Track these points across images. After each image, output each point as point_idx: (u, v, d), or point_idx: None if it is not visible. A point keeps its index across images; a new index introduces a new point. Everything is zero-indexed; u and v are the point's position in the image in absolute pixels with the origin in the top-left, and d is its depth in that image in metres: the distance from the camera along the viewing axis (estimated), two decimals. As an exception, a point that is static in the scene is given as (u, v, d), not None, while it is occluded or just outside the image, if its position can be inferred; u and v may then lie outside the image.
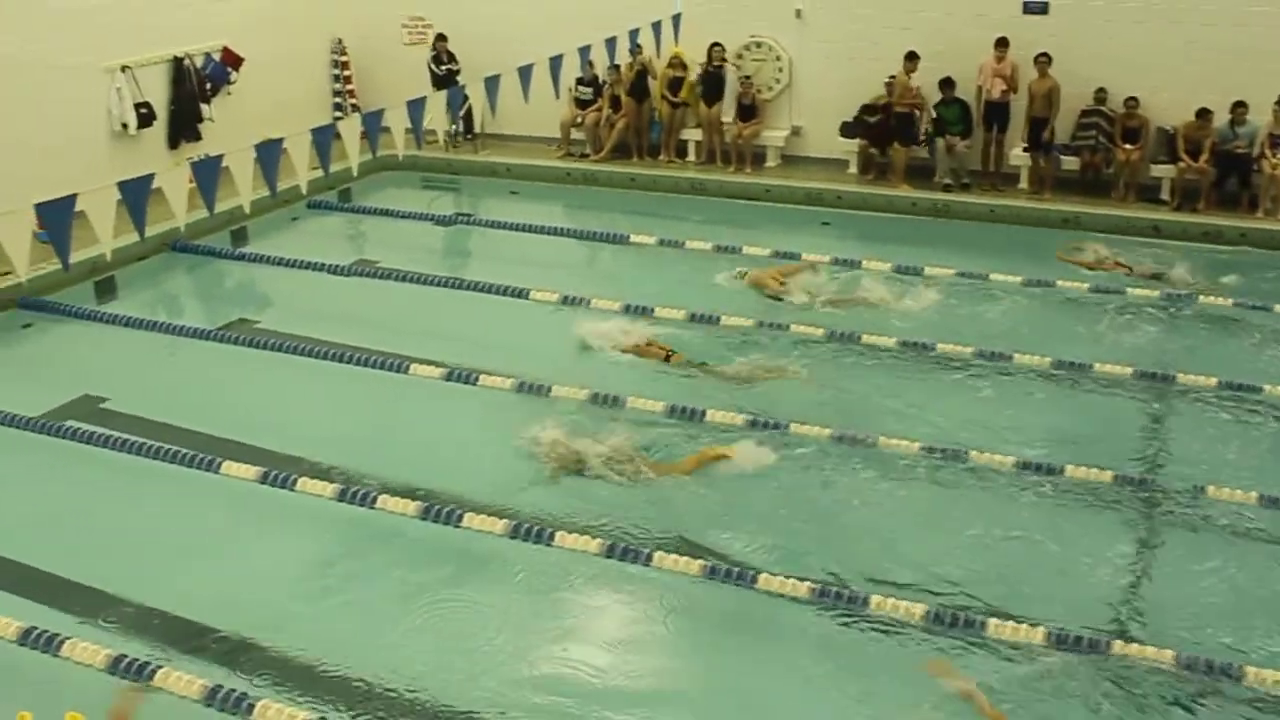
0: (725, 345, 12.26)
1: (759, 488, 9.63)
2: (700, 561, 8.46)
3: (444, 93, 12.78)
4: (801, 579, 8.22)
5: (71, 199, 9.11)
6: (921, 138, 17.39)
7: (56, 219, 9.07)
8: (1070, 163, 16.84)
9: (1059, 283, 13.80)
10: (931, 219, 16.36)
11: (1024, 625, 7.79)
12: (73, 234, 9.85)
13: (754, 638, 8.01)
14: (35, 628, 7.87)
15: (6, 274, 12.40)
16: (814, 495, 9.55)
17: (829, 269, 14.21)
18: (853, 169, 17.95)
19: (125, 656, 7.58)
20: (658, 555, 8.50)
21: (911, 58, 17.00)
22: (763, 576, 8.28)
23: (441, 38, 19.36)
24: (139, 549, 9.04)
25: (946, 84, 16.87)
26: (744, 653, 7.86)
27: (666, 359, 11.77)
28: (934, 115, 17.23)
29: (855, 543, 8.92)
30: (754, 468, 9.73)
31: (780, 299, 13.37)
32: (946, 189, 17.03)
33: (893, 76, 17.17)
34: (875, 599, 8.05)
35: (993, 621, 7.82)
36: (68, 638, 7.77)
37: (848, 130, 17.90)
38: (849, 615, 8.02)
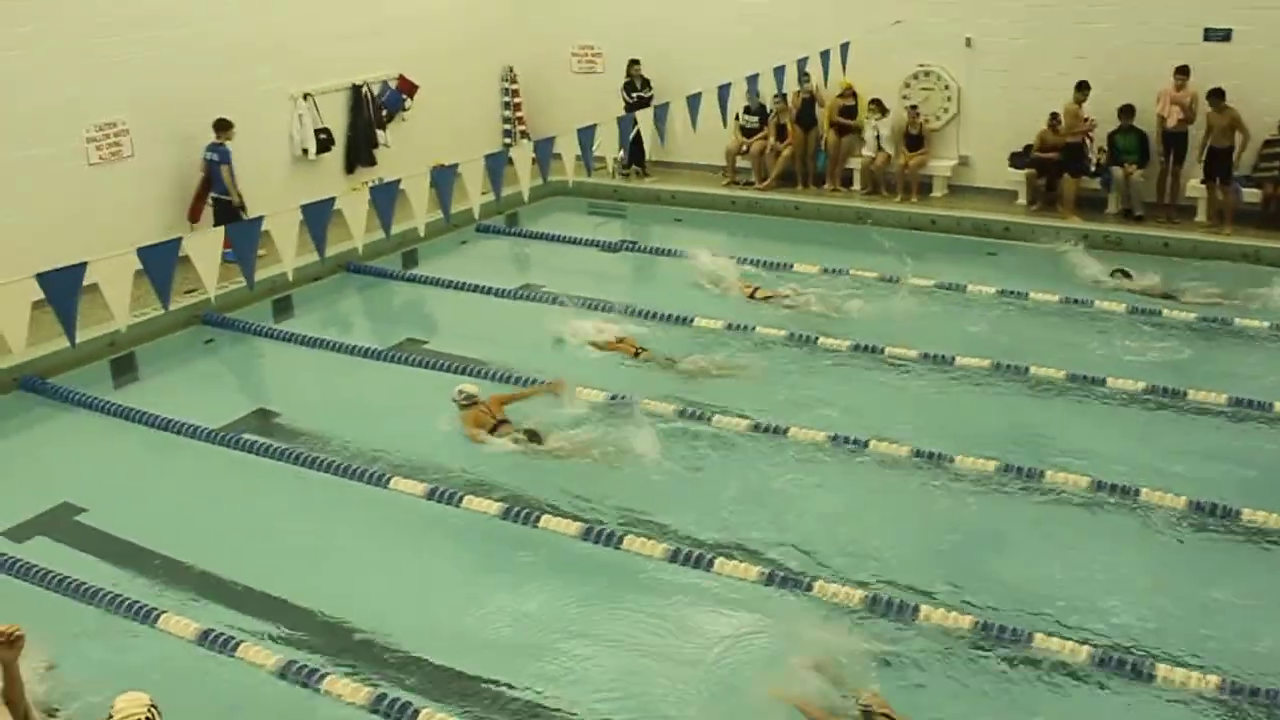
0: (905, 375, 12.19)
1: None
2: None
3: (615, 120, 12.93)
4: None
5: (259, 220, 9.50)
6: (1093, 168, 17.03)
7: (244, 240, 9.47)
8: (1252, 195, 16.28)
9: (1237, 321, 13.37)
10: (1102, 251, 15.98)
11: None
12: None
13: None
14: (212, 630, 8.18)
15: (191, 291, 12.94)
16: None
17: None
18: (1021, 199, 17.67)
19: (295, 662, 7.84)
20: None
21: (1082, 87, 16.64)
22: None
23: (635, 63, 19.65)
24: (310, 558, 9.33)
25: (1125, 111, 16.48)
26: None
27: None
28: (1107, 144, 16.85)
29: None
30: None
31: None
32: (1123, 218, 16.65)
33: (1055, 115, 16.84)
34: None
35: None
36: (241, 640, 8.06)
37: (1016, 160, 17.63)
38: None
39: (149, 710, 5.50)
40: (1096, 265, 15.08)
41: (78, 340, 9.12)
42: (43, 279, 8.25)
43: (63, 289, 8.41)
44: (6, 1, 13.77)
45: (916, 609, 8.21)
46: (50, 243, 12.97)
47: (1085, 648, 7.77)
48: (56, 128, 14.39)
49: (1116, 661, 7.66)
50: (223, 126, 15.59)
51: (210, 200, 15.76)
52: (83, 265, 8.43)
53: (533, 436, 10.73)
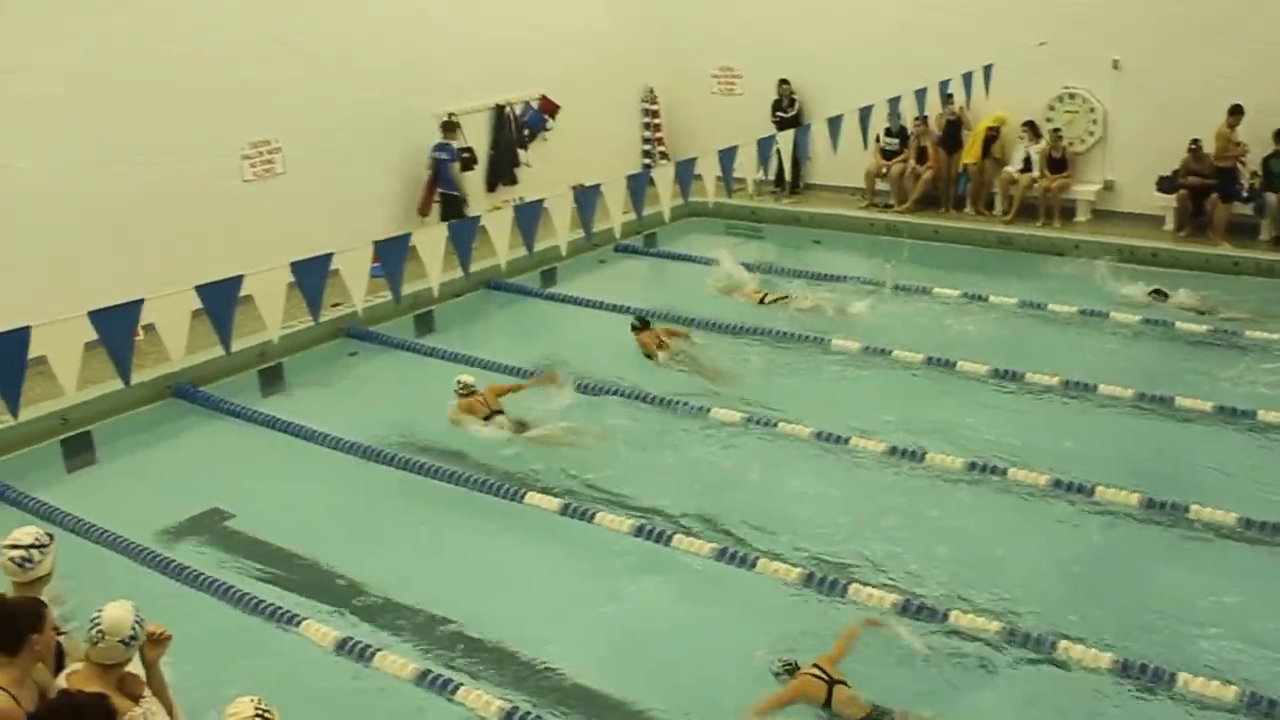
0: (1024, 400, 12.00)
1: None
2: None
3: (755, 141, 12.96)
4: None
5: (407, 237, 9.71)
6: (1245, 194, 16.56)
7: (392, 255, 9.69)
8: None
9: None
10: (1254, 278, 15.54)
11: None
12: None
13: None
14: (349, 638, 8.37)
15: (337, 305, 13.25)
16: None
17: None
18: (1169, 225, 17.27)
19: (430, 671, 7.96)
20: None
21: (1235, 111, 16.19)
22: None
23: (784, 82, 19.71)
24: (447, 570, 9.49)
25: (1280, 136, 16.02)
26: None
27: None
28: (1261, 169, 16.38)
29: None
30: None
31: None
32: (1276, 245, 16.18)
33: (1196, 141, 16.42)
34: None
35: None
36: (378, 650, 8.23)
37: (1164, 185, 17.24)
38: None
39: (257, 713, 5.52)
40: (1133, 286, 14.98)
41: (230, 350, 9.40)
42: (202, 290, 8.53)
43: (220, 300, 8.68)
44: (165, 23, 14.29)
45: (1055, 643, 8.06)
46: (208, 255, 13.42)
47: (1232, 688, 7.57)
48: (213, 145, 14.92)
49: (1267, 703, 7.43)
50: (450, 128, 17.09)
51: (438, 196, 17.20)
52: (239, 278, 8.70)
53: (520, 427, 11.47)
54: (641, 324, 13.47)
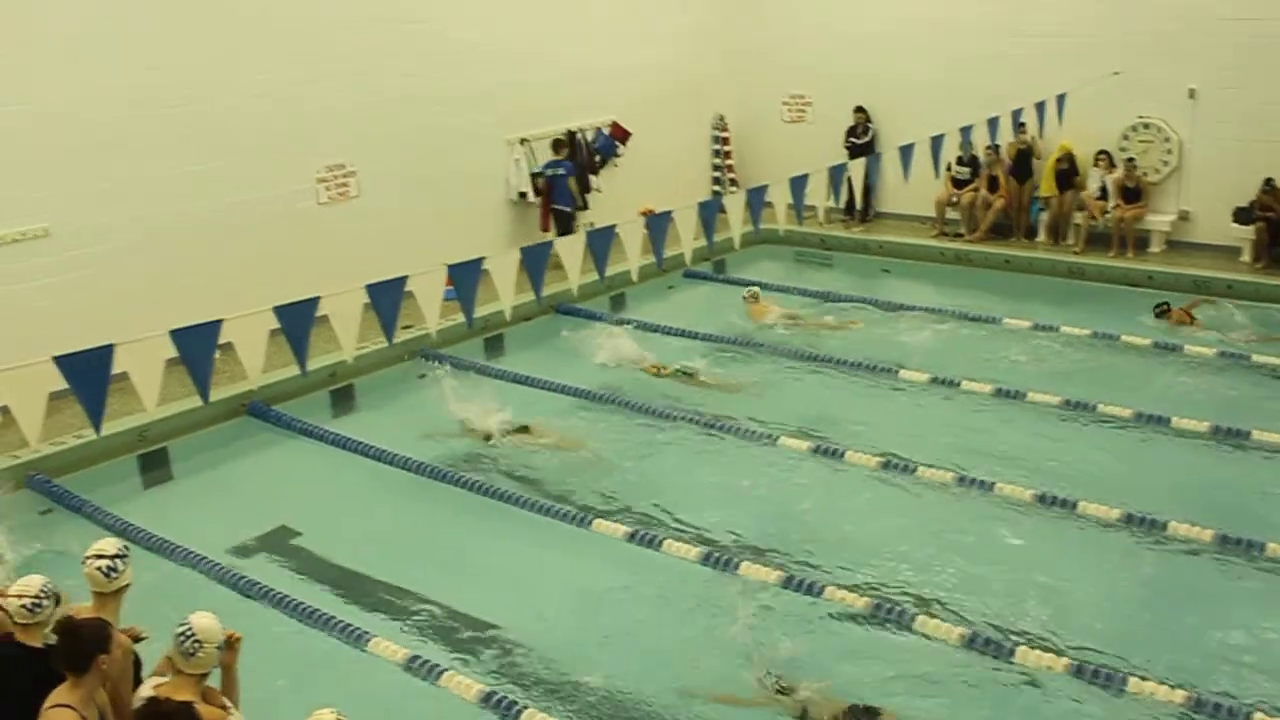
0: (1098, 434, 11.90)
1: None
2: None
3: (826, 169, 12.99)
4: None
5: (479, 261, 9.82)
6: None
7: (465, 279, 9.80)
8: None
9: None
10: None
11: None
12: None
13: None
14: (418, 657, 8.43)
15: (409, 326, 13.39)
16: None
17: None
18: (1245, 256, 17.06)
19: (495, 693, 7.98)
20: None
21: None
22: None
23: (860, 110, 19.73)
24: (512, 591, 9.53)
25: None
26: None
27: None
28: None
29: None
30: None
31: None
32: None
33: (1269, 181, 16.18)
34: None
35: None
36: (446, 669, 8.27)
37: (1241, 215, 17.02)
38: None
39: None
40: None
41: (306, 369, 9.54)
42: (280, 311, 8.69)
43: (297, 321, 8.84)
44: (245, 53, 14.59)
45: (1125, 679, 7.96)
46: (284, 276, 13.68)
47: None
48: (290, 169, 15.19)
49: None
50: (560, 145, 17.99)
51: (551, 211, 18.07)
52: (316, 299, 8.85)
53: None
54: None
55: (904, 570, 9.54)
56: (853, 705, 7.55)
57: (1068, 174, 18.17)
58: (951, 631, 8.56)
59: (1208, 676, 8.05)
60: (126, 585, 6.29)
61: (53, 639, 5.78)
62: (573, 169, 18.04)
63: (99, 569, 6.19)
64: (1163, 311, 15.05)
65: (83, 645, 5.57)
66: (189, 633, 5.70)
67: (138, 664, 6.21)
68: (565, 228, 17.61)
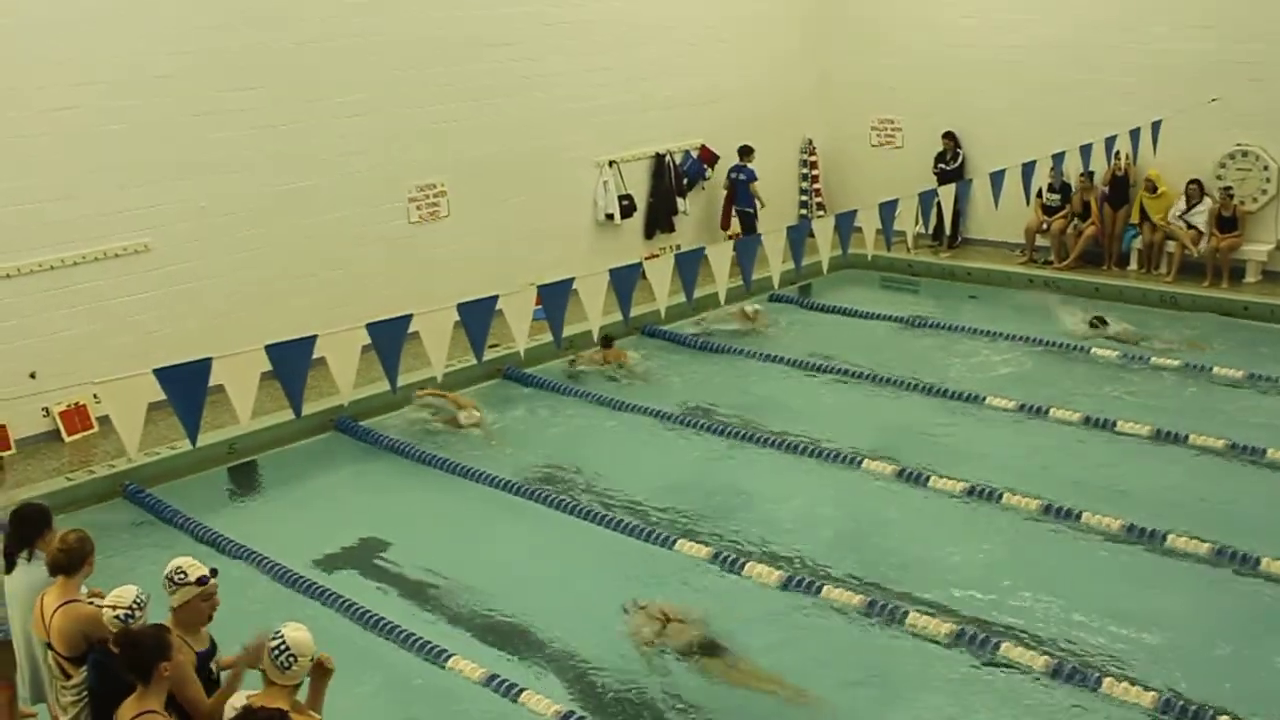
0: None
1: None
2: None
3: (915, 194, 12.93)
4: None
5: (569, 282, 9.86)
6: None
7: (554, 299, 9.85)
8: None
9: None
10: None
11: None
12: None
13: None
14: (497, 675, 8.47)
15: (495, 345, 13.49)
16: None
17: None
18: (1343, 287, 16.72)
19: (573, 713, 7.97)
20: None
21: None
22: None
23: (949, 135, 19.67)
24: (597, 614, 9.51)
25: None
26: None
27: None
28: None
29: None
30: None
31: None
32: None
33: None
34: None
35: None
36: (524, 688, 8.30)
37: (1341, 247, 16.69)
38: None
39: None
40: (1074, 316, 16.05)
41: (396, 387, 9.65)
42: (372, 328, 8.80)
43: (388, 338, 8.94)
44: (340, 71, 14.87)
45: (1215, 717, 7.81)
46: (376, 294, 13.91)
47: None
48: (382, 187, 15.44)
49: None
50: (747, 152, 19.19)
51: (735, 212, 19.45)
52: (408, 316, 8.95)
53: None
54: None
55: (988, 595, 9.48)
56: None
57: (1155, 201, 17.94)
58: (1036, 660, 8.49)
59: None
60: (192, 607, 6.30)
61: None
62: (753, 175, 19.22)
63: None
64: (1097, 322, 15.77)
65: (143, 654, 5.67)
66: (283, 646, 5.79)
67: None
68: (749, 227, 19.03)
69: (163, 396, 7.83)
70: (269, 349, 8.29)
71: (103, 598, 6.42)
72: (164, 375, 7.70)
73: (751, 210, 19.28)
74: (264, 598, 9.59)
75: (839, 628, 9.16)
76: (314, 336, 8.46)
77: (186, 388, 7.80)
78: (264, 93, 14.19)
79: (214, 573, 6.38)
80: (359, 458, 12.77)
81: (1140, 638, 8.88)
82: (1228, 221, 17.36)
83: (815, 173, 21.27)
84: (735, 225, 19.51)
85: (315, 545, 10.70)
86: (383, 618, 9.28)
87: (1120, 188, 18.19)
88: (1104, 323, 15.70)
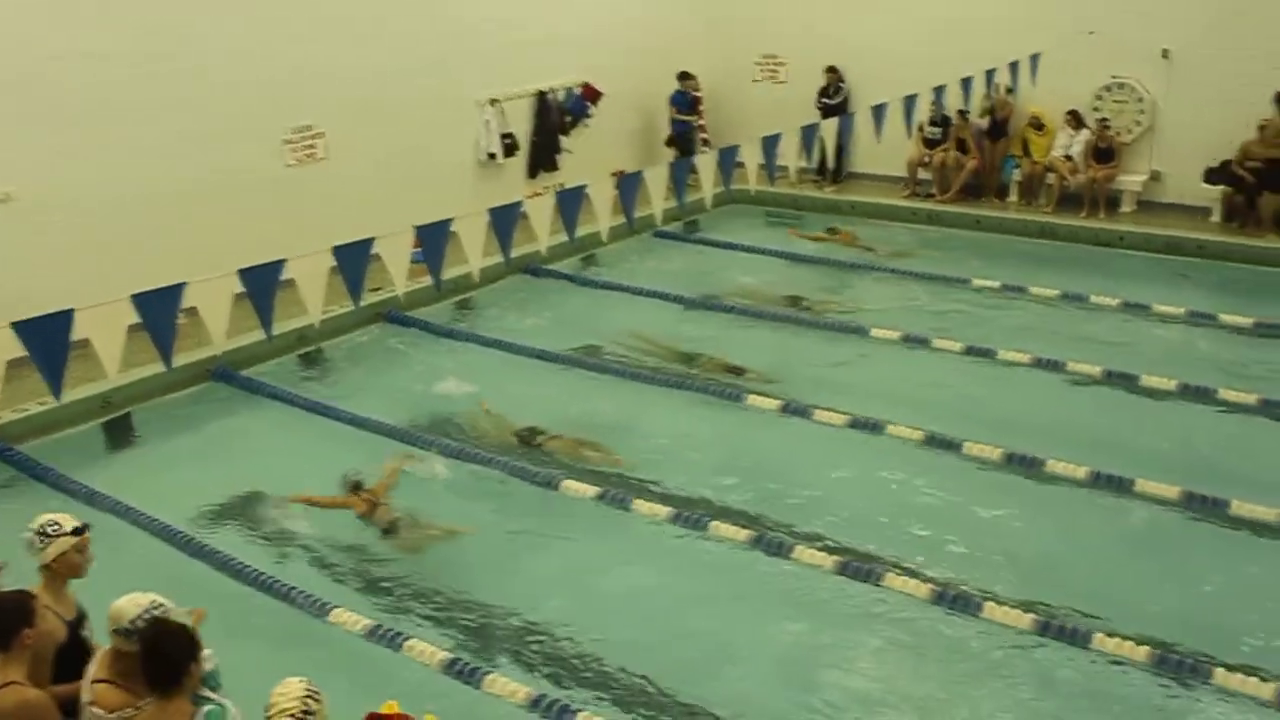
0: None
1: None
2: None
3: (797, 129, 12.93)
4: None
5: (447, 223, 9.72)
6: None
7: (433, 241, 9.70)
8: None
9: None
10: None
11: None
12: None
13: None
14: (379, 626, 8.33)
15: (378, 289, 13.28)
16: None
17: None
18: (1216, 217, 17.08)
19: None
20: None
21: (1285, 100, 15.97)
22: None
23: (831, 69, 19.68)
24: (490, 560, 9.47)
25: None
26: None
27: None
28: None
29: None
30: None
31: None
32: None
33: (1266, 120, 16.18)
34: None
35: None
36: (409, 636, 8.19)
37: (1212, 176, 17.04)
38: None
39: (304, 701, 5.16)
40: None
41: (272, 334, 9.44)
42: (245, 274, 8.58)
43: (262, 284, 8.74)
44: (210, 12, 14.37)
45: (1089, 635, 8.04)
46: (251, 240, 13.48)
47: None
48: (256, 131, 14.97)
49: None
50: (685, 77, 20.05)
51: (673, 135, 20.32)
52: (281, 262, 8.75)
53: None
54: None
55: (870, 527, 9.60)
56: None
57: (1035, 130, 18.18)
58: (920, 588, 8.61)
59: (1169, 630, 8.15)
60: (67, 560, 6.05)
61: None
62: (684, 99, 20.18)
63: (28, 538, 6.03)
64: (830, 231, 17.54)
65: (3, 619, 5.45)
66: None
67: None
68: (687, 149, 19.34)
69: (25, 352, 7.57)
70: (135, 299, 8.06)
71: None
72: (23, 329, 7.44)
73: (687, 132, 19.85)
74: (143, 554, 9.33)
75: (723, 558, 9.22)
76: (181, 285, 8.25)
77: (47, 341, 7.55)
78: (128, 34, 13.60)
79: (87, 527, 6.15)
80: (239, 407, 12.44)
81: (1017, 562, 9.07)
82: (1104, 153, 17.65)
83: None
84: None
85: (196, 498, 10.39)
86: (264, 573, 9.07)
87: (998, 121, 18.39)
88: (836, 232, 17.51)
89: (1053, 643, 8.05)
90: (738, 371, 12.62)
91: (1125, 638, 7.95)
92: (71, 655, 5.90)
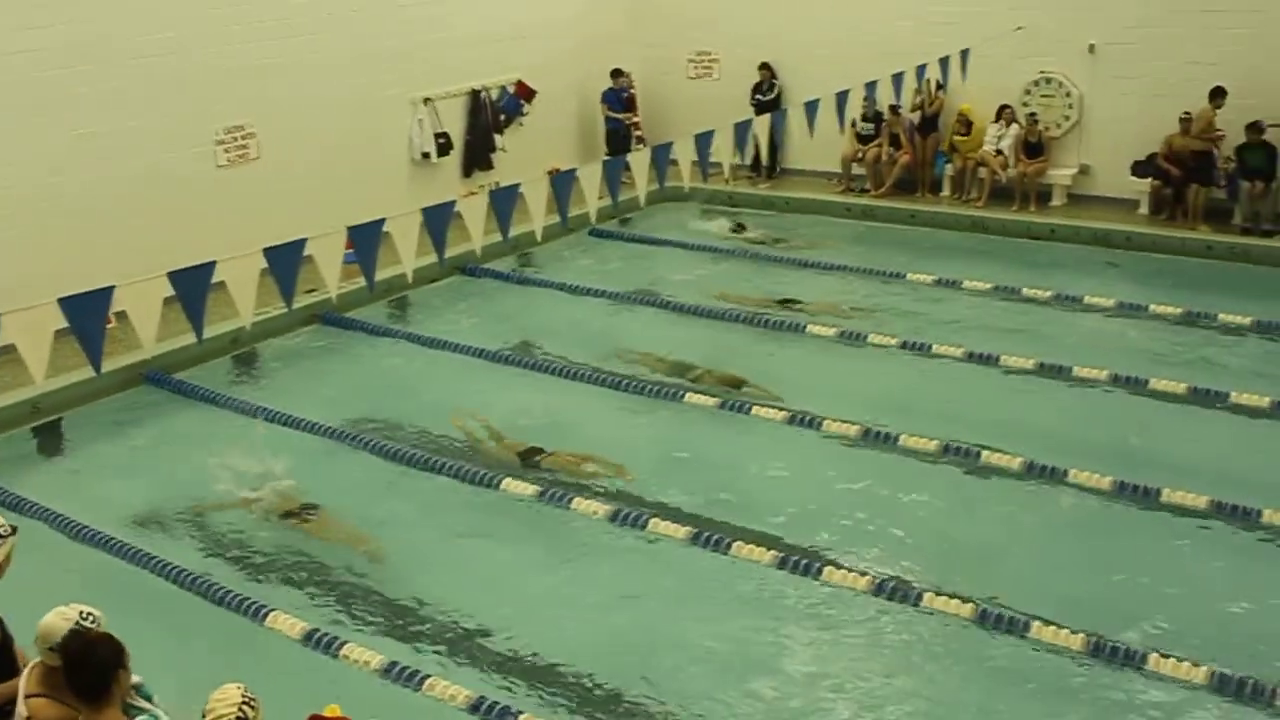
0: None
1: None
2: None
3: (730, 126, 12.96)
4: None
5: (380, 223, 9.65)
6: (1223, 181, 16.57)
7: (366, 241, 9.63)
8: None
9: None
10: (1227, 263, 15.62)
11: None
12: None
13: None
14: (315, 630, 8.28)
15: (312, 290, 13.17)
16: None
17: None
18: (1144, 209, 17.31)
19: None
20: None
21: (1218, 94, 16.13)
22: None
23: (765, 66, 19.73)
24: (428, 557, 9.44)
25: (1254, 127, 15.97)
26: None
27: None
28: (1235, 157, 16.39)
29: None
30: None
31: None
32: (1245, 232, 16.22)
33: (1187, 113, 16.43)
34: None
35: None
36: (345, 641, 8.14)
37: (1139, 169, 17.27)
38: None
39: (240, 708, 5.08)
40: (714, 223, 17.88)
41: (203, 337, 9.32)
42: (174, 276, 8.48)
43: (192, 286, 8.63)
44: (136, 8, 14.16)
45: (1028, 625, 8.14)
46: (182, 242, 13.31)
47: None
48: (187, 131, 14.79)
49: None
50: (617, 74, 19.91)
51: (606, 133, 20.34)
52: (212, 264, 8.65)
53: None
54: None
55: (807, 521, 9.66)
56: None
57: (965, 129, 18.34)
58: (859, 581, 8.67)
59: (1097, 616, 8.27)
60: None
61: None
62: (616, 97, 20.14)
63: None
64: (737, 227, 17.72)
65: None
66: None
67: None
68: (619, 148, 19.10)
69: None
70: (63, 302, 7.93)
71: None
72: (-57, 335, 7.31)
73: (621, 130, 19.85)
74: (75, 563, 9.20)
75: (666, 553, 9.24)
76: (111, 288, 8.12)
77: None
78: (54, 31, 13.39)
79: (14, 530, 6.01)
80: (172, 410, 12.29)
81: (957, 552, 9.19)
82: (1034, 147, 17.84)
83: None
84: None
85: (128, 504, 10.28)
86: (200, 576, 8.97)
87: (929, 117, 18.54)
88: (743, 228, 17.64)
89: (992, 630, 8.14)
90: (680, 369, 12.61)
91: (1061, 626, 8.05)
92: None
